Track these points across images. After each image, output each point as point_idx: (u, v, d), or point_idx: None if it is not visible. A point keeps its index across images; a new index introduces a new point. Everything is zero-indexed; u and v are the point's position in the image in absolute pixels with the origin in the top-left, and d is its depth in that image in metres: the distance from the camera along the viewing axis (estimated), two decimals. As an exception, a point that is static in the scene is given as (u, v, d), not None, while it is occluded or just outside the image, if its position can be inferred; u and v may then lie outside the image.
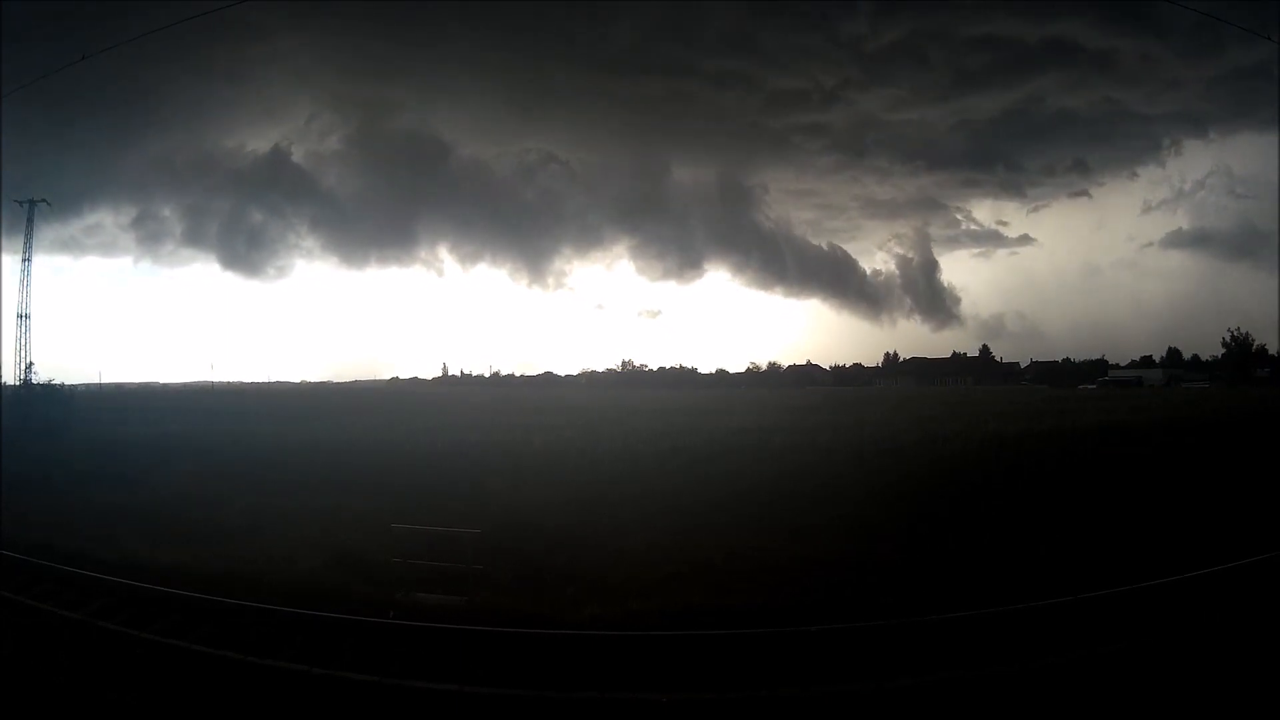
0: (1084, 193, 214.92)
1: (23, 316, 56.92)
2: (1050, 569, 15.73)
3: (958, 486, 24.85)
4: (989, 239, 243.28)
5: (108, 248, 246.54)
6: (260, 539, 20.65)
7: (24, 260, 58.17)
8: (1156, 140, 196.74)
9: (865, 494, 24.01)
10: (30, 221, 57.94)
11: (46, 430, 42.90)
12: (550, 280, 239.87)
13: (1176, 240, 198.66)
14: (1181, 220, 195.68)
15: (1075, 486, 24.18)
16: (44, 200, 59.78)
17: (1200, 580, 14.12)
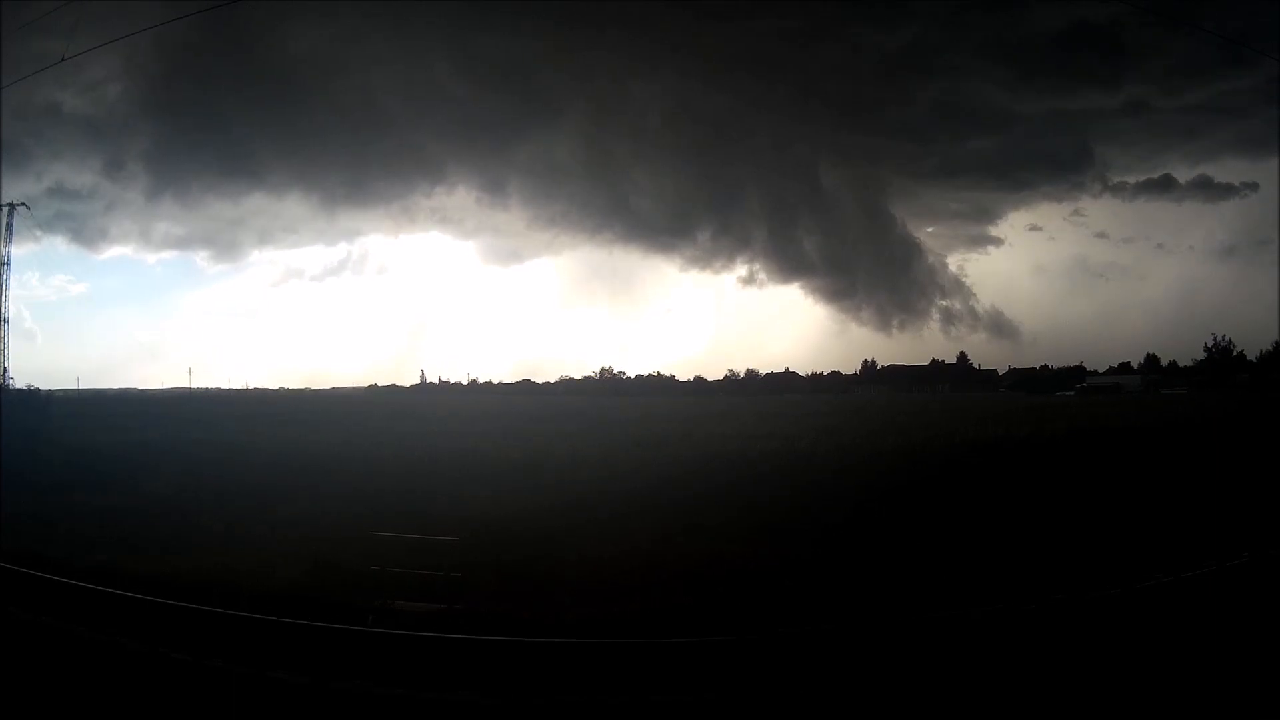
0: (1062, 197, 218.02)
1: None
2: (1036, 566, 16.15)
3: (938, 492, 25.26)
4: (963, 241, 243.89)
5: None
6: (239, 547, 20.56)
7: (3, 265, 57.20)
8: (1136, 145, 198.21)
9: (849, 499, 24.31)
10: (10, 225, 56.91)
11: (23, 437, 42.11)
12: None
13: (1156, 247, 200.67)
14: (1161, 226, 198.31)
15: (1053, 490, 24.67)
16: (23, 204, 58.85)
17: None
